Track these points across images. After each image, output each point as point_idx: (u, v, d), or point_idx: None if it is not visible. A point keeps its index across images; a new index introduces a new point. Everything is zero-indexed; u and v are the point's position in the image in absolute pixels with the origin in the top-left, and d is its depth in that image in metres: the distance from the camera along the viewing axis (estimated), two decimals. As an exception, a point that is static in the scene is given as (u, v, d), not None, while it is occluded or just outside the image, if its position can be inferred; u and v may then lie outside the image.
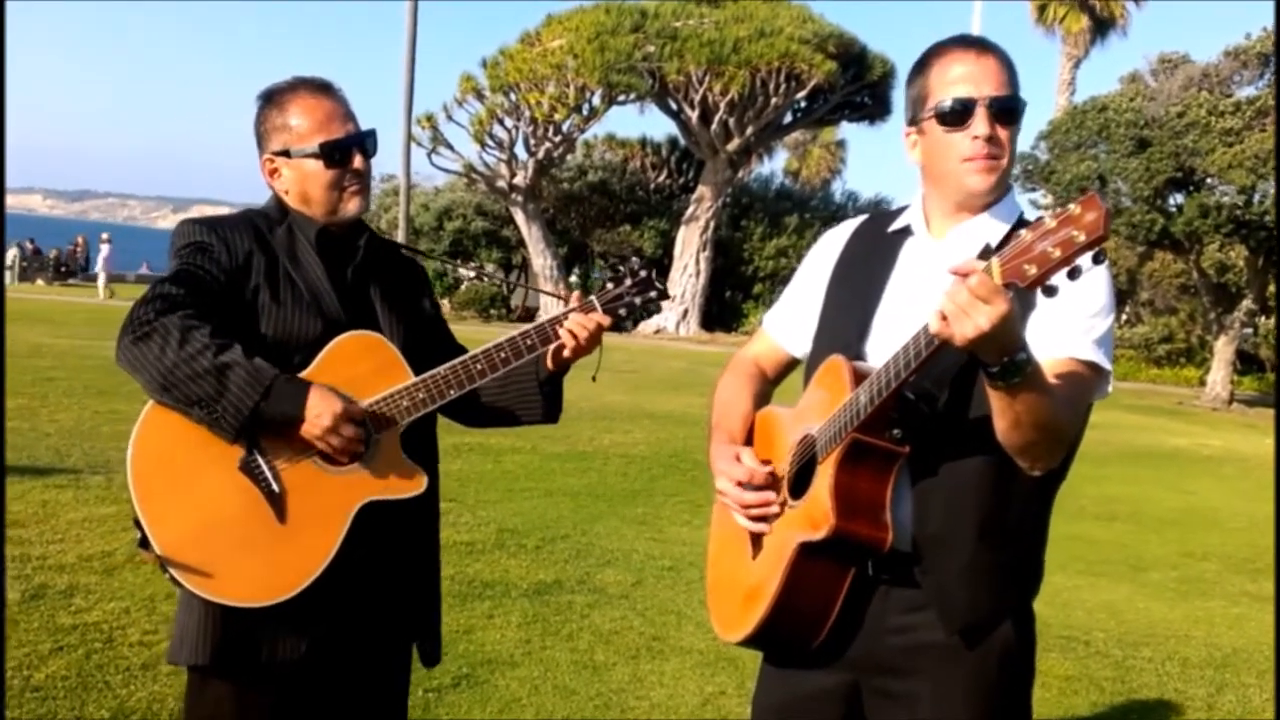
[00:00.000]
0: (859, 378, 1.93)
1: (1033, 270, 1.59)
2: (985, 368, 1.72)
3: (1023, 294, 1.63)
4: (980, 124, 1.97)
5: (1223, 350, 24.81)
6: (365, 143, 2.37)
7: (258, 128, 2.38)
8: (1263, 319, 29.13)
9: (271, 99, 2.37)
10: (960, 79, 1.99)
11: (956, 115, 1.98)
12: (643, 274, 2.46)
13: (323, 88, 2.37)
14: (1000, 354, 1.69)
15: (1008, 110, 1.98)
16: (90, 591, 4.98)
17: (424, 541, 2.47)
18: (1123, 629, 6.09)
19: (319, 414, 2.14)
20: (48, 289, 30.62)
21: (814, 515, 1.95)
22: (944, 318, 1.66)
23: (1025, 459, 1.88)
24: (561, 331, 2.37)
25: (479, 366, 2.31)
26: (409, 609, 2.44)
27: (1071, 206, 1.57)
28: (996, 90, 1.97)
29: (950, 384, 1.94)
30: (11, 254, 32.30)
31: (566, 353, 2.41)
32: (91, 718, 3.78)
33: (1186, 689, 5.19)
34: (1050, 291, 1.62)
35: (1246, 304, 24.47)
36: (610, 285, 2.45)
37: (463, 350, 2.52)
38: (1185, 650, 5.78)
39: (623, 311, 2.44)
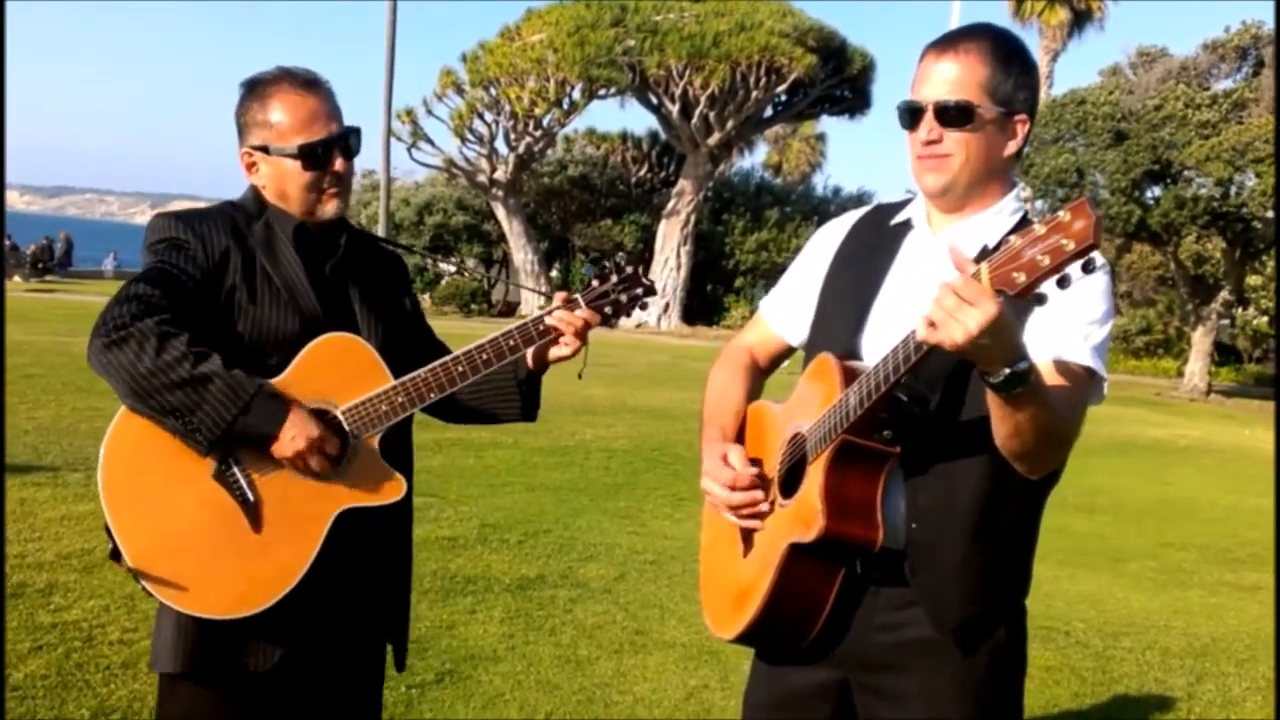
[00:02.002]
0: (849, 376, 1.92)
1: (1022, 278, 1.57)
2: (986, 377, 1.70)
3: (1019, 300, 1.61)
4: (923, 128, 2.00)
5: (1200, 342, 24.99)
6: (348, 142, 2.31)
7: (238, 118, 2.32)
8: (1240, 310, 29.34)
9: (254, 90, 2.30)
10: (918, 82, 2.02)
11: (906, 119, 2.03)
12: (629, 270, 2.43)
13: (307, 83, 2.30)
14: (1001, 363, 1.67)
15: (951, 112, 1.97)
16: (69, 590, 4.95)
17: (398, 542, 2.44)
18: (1103, 619, 6.12)
19: (293, 437, 2.11)
20: (24, 285, 30.35)
21: (804, 516, 1.94)
22: (931, 324, 1.64)
23: (1024, 464, 1.87)
24: (546, 330, 2.34)
25: (460, 369, 2.28)
26: (383, 609, 2.41)
27: (1061, 213, 1.55)
28: (944, 94, 1.97)
29: (943, 385, 1.93)
30: (-13, 251, 31.98)
31: (555, 352, 2.39)
32: (71, 717, 3.75)
33: (1166, 678, 5.22)
34: (1040, 300, 1.60)
35: (1224, 295, 24.65)
36: (596, 283, 2.42)
37: (442, 346, 2.49)
38: (1165, 640, 5.82)
39: (609, 310, 2.41)
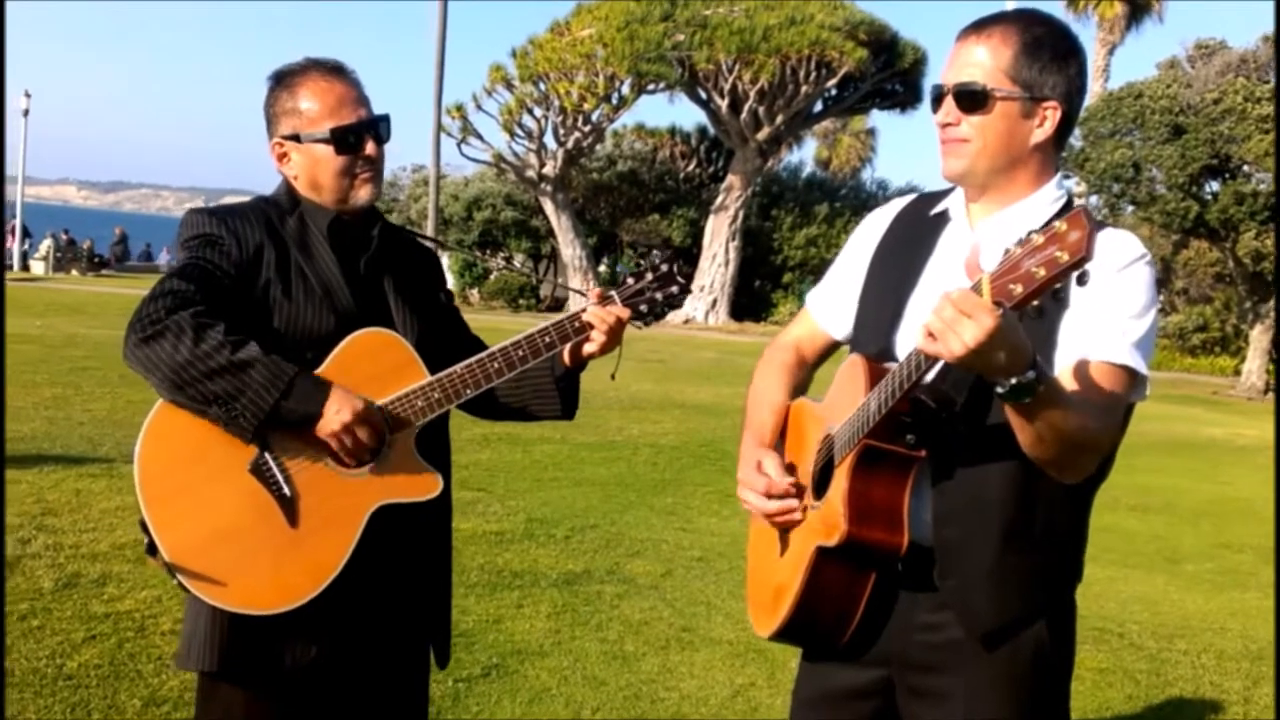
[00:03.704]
0: (874, 378, 1.89)
1: (1018, 290, 1.54)
2: (994, 387, 1.68)
3: (1021, 311, 1.58)
4: (941, 111, 1.98)
5: (1258, 339, 24.54)
6: (378, 128, 2.30)
7: (267, 110, 2.32)
8: (1300, 308, 28.78)
9: (282, 80, 2.31)
10: (946, 65, 2.00)
11: (933, 103, 2.01)
12: (664, 268, 2.42)
13: (335, 70, 2.29)
14: (1006, 373, 1.64)
15: (967, 97, 1.94)
16: (123, 580, 5.01)
17: (437, 539, 2.42)
18: (1158, 621, 6.03)
19: (338, 411, 2.09)
20: (82, 279, 30.83)
21: (829, 521, 1.93)
22: (931, 335, 1.62)
23: (1053, 470, 1.83)
24: (582, 327, 2.33)
25: (495, 365, 2.26)
26: (422, 608, 2.39)
27: (1057, 223, 1.53)
28: (961, 77, 1.95)
29: (969, 386, 1.89)
30: (46, 245, 32.66)
31: (588, 348, 2.37)
32: (124, 706, 3.80)
33: (1222, 682, 5.13)
34: (1038, 311, 1.58)
35: (1283, 293, 24.17)
36: (631, 280, 2.41)
37: (478, 340, 2.48)
38: (1221, 643, 5.72)
39: (644, 307, 2.40)
